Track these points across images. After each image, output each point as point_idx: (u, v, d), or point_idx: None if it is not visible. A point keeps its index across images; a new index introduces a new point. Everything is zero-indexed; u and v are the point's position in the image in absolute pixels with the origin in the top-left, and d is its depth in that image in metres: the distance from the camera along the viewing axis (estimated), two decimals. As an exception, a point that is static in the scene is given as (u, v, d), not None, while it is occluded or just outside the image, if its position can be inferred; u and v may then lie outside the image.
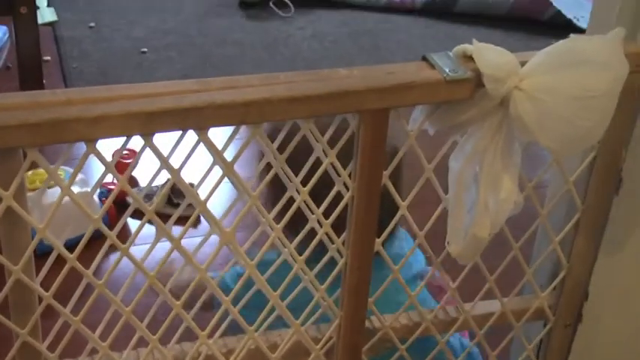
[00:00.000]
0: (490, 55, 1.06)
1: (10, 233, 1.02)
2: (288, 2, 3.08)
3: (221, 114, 0.97)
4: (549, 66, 1.07)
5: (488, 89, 1.05)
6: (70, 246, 1.01)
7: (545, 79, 1.06)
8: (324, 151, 1.06)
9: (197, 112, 0.95)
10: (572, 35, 1.11)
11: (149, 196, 2.44)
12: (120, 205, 2.21)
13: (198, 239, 1.11)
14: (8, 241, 1.02)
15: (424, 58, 1.08)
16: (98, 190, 2.23)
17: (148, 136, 0.97)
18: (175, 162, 1.00)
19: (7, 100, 0.92)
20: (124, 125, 0.95)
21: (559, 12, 3.10)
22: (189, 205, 1.06)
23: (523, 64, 1.07)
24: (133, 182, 2.59)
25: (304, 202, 1.10)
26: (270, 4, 3.07)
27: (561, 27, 3.06)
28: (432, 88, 1.04)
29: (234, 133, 1.03)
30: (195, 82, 0.98)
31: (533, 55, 1.09)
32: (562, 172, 1.24)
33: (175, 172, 1.01)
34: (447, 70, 1.05)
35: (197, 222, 1.19)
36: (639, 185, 1.21)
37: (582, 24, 3.07)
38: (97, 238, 1.01)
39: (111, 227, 1.02)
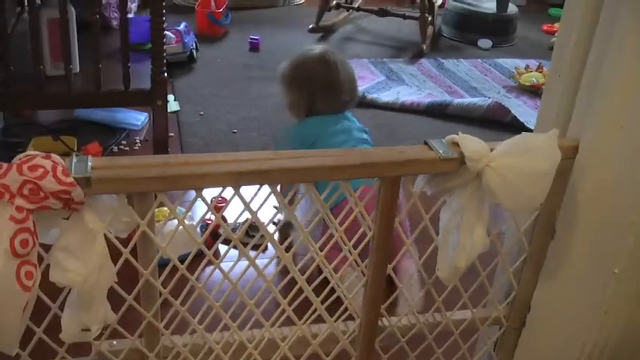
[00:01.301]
0: (470, 143, 1.07)
1: (143, 249, 1.03)
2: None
3: (287, 175, 0.98)
4: (510, 152, 1.07)
5: (468, 166, 1.05)
6: (181, 260, 1.01)
7: (507, 161, 1.06)
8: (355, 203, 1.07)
9: (271, 173, 0.96)
10: (524, 133, 1.11)
11: (234, 229, 2.45)
12: (214, 235, 2.21)
13: (266, 260, 1.12)
14: (142, 254, 1.04)
15: (425, 143, 1.09)
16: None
17: (236, 188, 0.98)
18: (254, 205, 1.01)
19: (147, 161, 0.94)
20: (221, 180, 0.96)
21: (515, 117, 3.09)
22: (261, 236, 1.06)
23: (492, 149, 1.07)
24: (224, 219, 2.60)
25: (340, 237, 1.10)
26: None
27: (518, 127, 3.05)
28: (430, 163, 1.05)
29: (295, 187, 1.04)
30: (271, 153, 0.99)
31: (499, 144, 1.09)
32: (516, 224, 1.23)
33: (254, 214, 1.02)
34: (441, 152, 1.05)
35: (265, 248, 1.19)
36: (567, 234, 1.20)
37: (530, 126, 3.07)
38: (198, 255, 1.02)
39: (208, 249, 1.03)
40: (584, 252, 1.18)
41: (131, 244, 1.00)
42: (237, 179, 0.95)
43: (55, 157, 0.92)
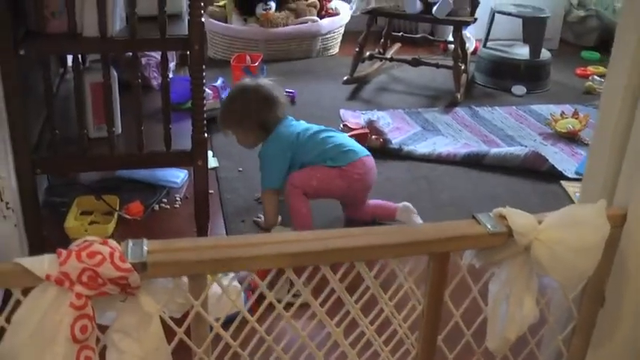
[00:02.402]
0: (517, 216, 1.07)
1: (197, 328, 1.04)
2: (370, 155, 3.11)
3: (339, 255, 0.99)
4: (558, 225, 1.08)
5: (516, 239, 1.06)
6: (227, 321, 1.03)
7: (556, 234, 1.06)
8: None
9: (323, 255, 0.98)
10: (572, 205, 1.12)
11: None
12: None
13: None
14: (195, 333, 1.05)
15: (473, 217, 1.09)
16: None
17: (288, 269, 0.99)
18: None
19: (201, 243, 0.96)
20: (274, 262, 0.97)
21: (553, 166, 3.07)
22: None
23: (540, 222, 1.08)
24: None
25: (390, 312, 1.10)
26: (358, 156, 3.11)
27: (555, 176, 3.03)
28: (479, 238, 1.06)
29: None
30: (322, 233, 1.00)
31: (546, 217, 1.09)
32: (564, 292, 1.23)
33: (307, 293, 1.03)
34: (489, 226, 1.06)
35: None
36: (617, 302, 1.19)
37: (568, 174, 3.06)
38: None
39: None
40: (634, 320, 1.18)
41: (185, 325, 1.02)
42: (290, 261, 0.97)
43: (112, 242, 0.95)
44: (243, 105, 2.49)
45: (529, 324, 1.12)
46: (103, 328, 0.98)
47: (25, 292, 0.93)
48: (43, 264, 0.90)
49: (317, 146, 2.42)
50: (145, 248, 0.95)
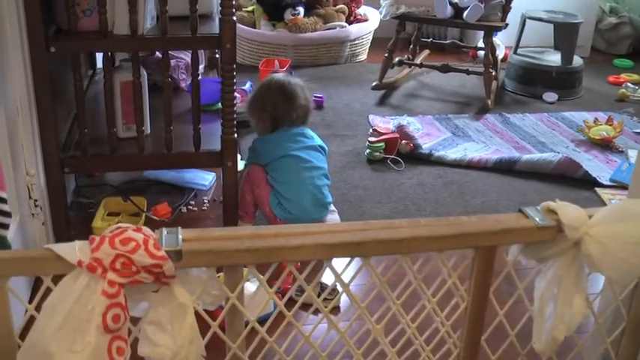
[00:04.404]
0: (568, 210, 1.03)
1: (231, 321, 1.01)
2: (400, 160, 3.06)
3: (381, 247, 0.95)
4: (610, 219, 1.03)
5: (566, 234, 1.01)
6: (261, 321, 0.99)
7: (607, 228, 1.01)
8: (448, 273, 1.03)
9: (364, 246, 0.93)
10: (623, 199, 1.06)
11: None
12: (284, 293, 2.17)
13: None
14: (230, 327, 1.01)
15: (520, 210, 1.05)
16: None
17: (328, 261, 0.95)
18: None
19: (238, 232, 0.92)
20: (313, 253, 0.93)
21: (587, 172, 3.01)
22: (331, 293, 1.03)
23: (590, 216, 1.03)
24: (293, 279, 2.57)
25: (432, 308, 1.06)
26: (387, 161, 3.06)
27: (589, 182, 2.97)
28: (527, 232, 1.01)
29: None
30: (363, 224, 0.96)
31: (598, 211, 1.04)
32: (614, 292, 1.17)
33: (346, 286, 0.99)
34: (538, 220, 1.01)
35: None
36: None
37: (603, 181, 2.99)
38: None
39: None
40: (688, 322, 1.12)
41: (220, 318, 0.98)
42: (330, 252, 0.92)
43: (146, 229, 0.91)
44: (264, 95, 2.50)
45: (578, 323, 1.07)
46: (134, 321, 0.95)
47: (56, 280, 0.89)
48: (74, 250, 0.87)
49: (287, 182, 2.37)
50: (180, 236, 0.91)
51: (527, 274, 1.11)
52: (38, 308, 0.89)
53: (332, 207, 2.48)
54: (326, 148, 2.52)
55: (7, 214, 1.29)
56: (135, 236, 0.89)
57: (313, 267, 1.00)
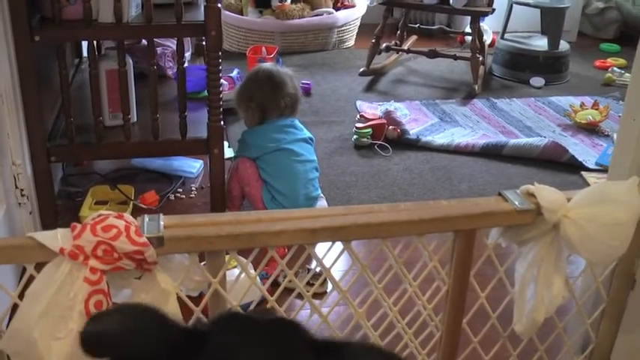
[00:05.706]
0: (547, 193, 1.04)
1: (214, 306, 1.02)
2: (388, 146, 3.07)
3: (361, 231, 0.95)
4: (588, 202, 1.04)
5: (545, 217, 1.02)
6: (243, 308, 1.00)
7: (586, 211, 1.03)
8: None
9: (345, 230, 0.94)
10: (602, 181, 1.07)
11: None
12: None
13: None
14: (213, 312, 1.02)
15: (499, 194, 1.06)
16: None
17: (310, 245, 0.96)
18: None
19: (219, 218, 0.93)
20: (295, 237, 0.94)
21: (573, 156, 3.02)
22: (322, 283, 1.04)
23: (569, 199, 1.04)
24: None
25: (414, 292, 1.07)
26: (375, 147, 3.07)
27: (576, 166, 2.98)
28: (506, 215, 1.02)
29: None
30: (343, 208, 0.97)
31: (576, 194, 1.05)
32: (593, 274, 1.19)
33: (327, 270, 0.99)
34: (517, 203, 1.03)
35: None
36: (649, 285, 1.15)
37: (589, 165, 3.00)
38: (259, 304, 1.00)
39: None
40: (666, 303, 1.14)
41: (203, 303, 0.99)
42: (312, 236, 0.93)
43: (128, 216, 0.92)
44: (252, 83, 2.45)
45: (558, 305, 1.08)
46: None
47: (39, 268, 0.90)
48: (56, 238, 0.88)
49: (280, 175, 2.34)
50: (162, 223, 0.92)
51: (507, 257, 1.12)
52: (22, 296, 0.90)
53: (320, 193, 2.48)
54: (314, 138, 2.50)
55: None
56: (116, 223, 0.89)
57: (300, 251, 1.01)
